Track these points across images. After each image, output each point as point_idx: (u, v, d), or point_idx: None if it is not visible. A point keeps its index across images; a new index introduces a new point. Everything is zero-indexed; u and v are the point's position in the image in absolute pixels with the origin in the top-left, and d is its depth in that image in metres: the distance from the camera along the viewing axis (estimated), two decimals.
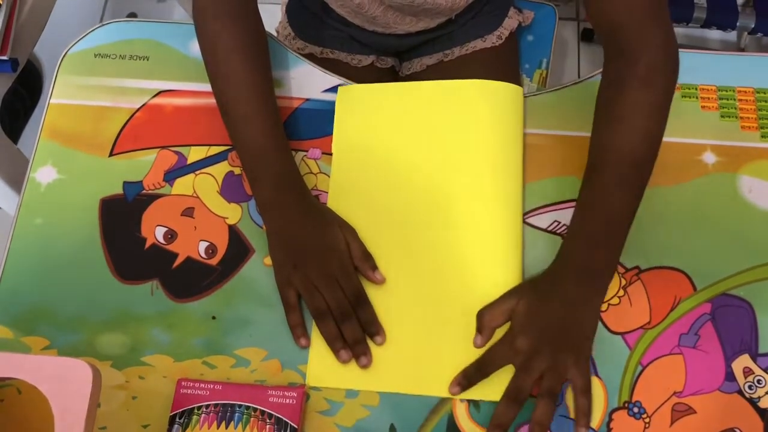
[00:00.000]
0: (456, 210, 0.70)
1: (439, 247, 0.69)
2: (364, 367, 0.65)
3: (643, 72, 0.64)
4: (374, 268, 0.68)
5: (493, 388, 0.63)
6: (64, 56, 0.80)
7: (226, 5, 0.71)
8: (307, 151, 0.75)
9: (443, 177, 0.72)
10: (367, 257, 0.69)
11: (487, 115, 0.73)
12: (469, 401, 0.64)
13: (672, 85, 0.66)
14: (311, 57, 0.92)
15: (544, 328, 0.63)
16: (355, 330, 0.65)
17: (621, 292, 0.68)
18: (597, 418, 0.64)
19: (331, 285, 0.66)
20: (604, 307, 0.68)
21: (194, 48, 0.80)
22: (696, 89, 0.77)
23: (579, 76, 1.60)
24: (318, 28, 0.93)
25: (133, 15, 1.74)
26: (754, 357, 0.66)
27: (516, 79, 1.00)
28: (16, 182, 1.05)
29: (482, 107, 0.73)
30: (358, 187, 0.73)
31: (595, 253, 0.64)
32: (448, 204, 0.70)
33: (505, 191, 0.70)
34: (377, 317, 0.67)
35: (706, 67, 0.78)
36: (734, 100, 0.76)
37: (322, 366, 0.66)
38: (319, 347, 0.66)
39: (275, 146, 0.70)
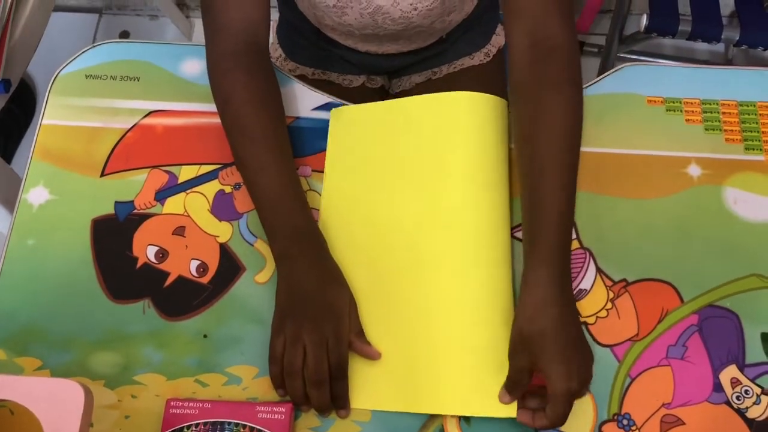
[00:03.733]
0: (447, 225, 0.70)
1: (432, 265, 0.69)
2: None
3: (555, 71, 0.67)
4: (368, 343, 0.67)
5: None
6: (55, 77, 0.81)
7: (240, 61, 0.71)
8: (297, 168, 0.75)
9: (433, 190, 0.72)
10: (362, 334, 0.68)
11: (474, 127, 0.73)
12: (459, 416, 0.65)
13: (576, 56, 0.69)
14: (303, 78, 0.93)
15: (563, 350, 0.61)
16: (323, 398, 0.63)
17: (609, 305, 0.69)
18: (587, 430, 0.64)
19: (319, 347, 0.63)
20: (591, 320, 0.68)
21: (184, 68, 0.81)
22: (680, 103, 0.78)
23: None
24: (309, 49, 0.94)
25: (125, 34, 1.76)
26: (742, 368, 0.66)
27: (503, 95, 1.01)
28: (10, 202, 1.06)
29: (469, 119, 0.73)
30: (350, 203, 0.73)
31: (560, 256, 0.63)
32: (439, 218, 0.71)
33: (495, 204, 0.71)
34: (348, 392, 0.65)
35: (689, 80, 0.79)
36: (718, 113, 0.77)
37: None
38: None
39: (292, 197, 0.69)
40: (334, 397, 0.64)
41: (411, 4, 0.77)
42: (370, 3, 0.77)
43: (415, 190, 0.72)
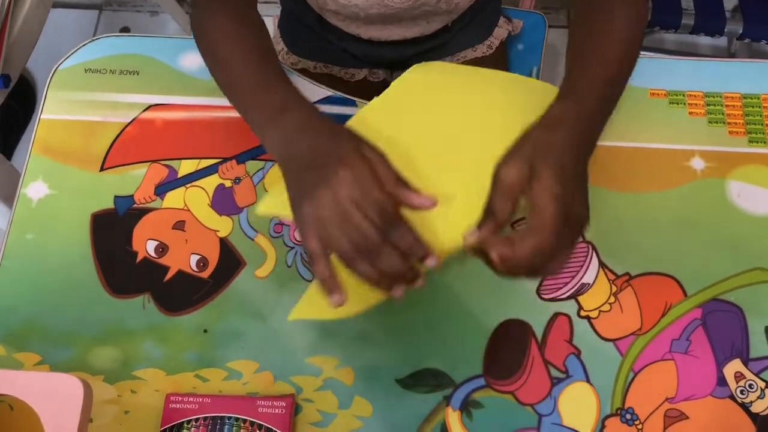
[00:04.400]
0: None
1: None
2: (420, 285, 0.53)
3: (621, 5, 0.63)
4: (412, 188, 0.53)
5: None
6: (54, 72, 0.80)
7: (223, 6, 0.68)
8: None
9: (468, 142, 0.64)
10: (402, 181, 0.53)
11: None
12: (461, 411, 0.64)
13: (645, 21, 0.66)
14: (304, 72, 0.92)
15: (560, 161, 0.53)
16: (393, 262, 0.51)
17: (612, 299, 0.68)
18: (590, 425, 0.64)
19: (347, 211, 0.50)
20: (594, 314, 0.68)
21: (184, 62, 0.80)
22: (684, 95, 0.77)
23: None
24: (311, 42, 0.93)
25: (125, 30, 1.75)
26: (746, 362, 0.66)
27: None
28: (9, 197, 1.05)
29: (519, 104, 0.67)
30: (380, 125, 0.65)
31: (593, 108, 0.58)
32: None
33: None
34: (419, 236, 0.52)
35: (693, 73, 0.79)
36: (721, 105, 0.77)
37: (308, 302, 0.63)
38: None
39: (273, 78, 0.61)
40: (405, 250, 0.51)
41: None
42: None
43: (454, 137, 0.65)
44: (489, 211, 0.54)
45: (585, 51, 0.63)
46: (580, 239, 0.56)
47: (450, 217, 0.57)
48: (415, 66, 0.73)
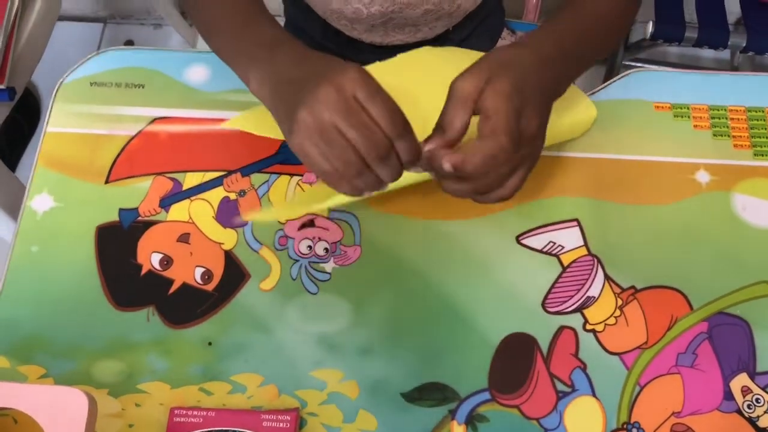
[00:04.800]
0: None
1: None
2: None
3: None
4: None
5: None
6: (60, 85, 0.81)
7: None
8: (302, 175, 0.75)
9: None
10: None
11: None
12: (467, 425, 0.64)
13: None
14: None
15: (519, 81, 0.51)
16: (394, 169, 0.50)
17: (617, 312, 0.68)
18: None
19: (351, 113, 0.48)
20: (600, 327, 0.67)
21: (189, 75, 0.81)
22: (688, 108, 0.77)
23: None
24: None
25: (130, 42, 1.76)
26: (752, 376, 0.66)
27: None
28: (14, 210, 1.06)
29: None
30: None
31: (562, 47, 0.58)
32: None
33: None
34: (418, 147, 0.51)
35: (697, 86, 0.79)
36: (726, 119, 0.77)
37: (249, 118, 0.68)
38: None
39: (254, 21, 0.60)
40: (406, 163, 0.51)
41: None
42: None
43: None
44: (440, 125, 0.52)
45: (558, 13, 0.62)
46: (533, 166, 0.55)
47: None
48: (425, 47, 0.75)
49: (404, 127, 0.49)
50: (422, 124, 0.53)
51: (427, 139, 0.52)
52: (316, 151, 0.49)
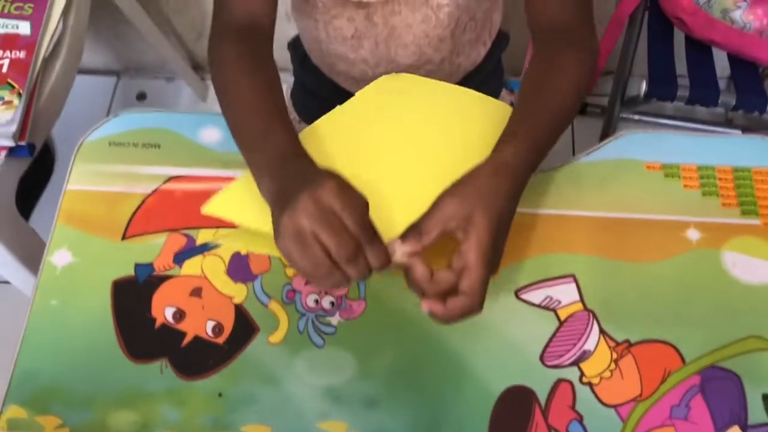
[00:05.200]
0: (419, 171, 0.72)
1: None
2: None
3: (575, 51, 0.72)
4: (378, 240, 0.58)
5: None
6: (80, 145, 0.85)
7: (238, 34, 0.75)
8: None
9: (412, 152, 0.74)
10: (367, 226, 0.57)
11: (479, 126, 0.75)
12: None
13: (594, 64, 0.74)
14: None
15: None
16: (362, 270, 0.57)
17: (613, 366, 0.71)
18: None
19: (325, 222, 0.55)
20: (596, 380, 0.70)
21: (202, 135, 0.85)
22: (678, 168, 0.81)
23: (573, 148, 1.67)
24: (322, 110, 0.98)
25: (142, 95, 1.82)
26: (744, 428, 0.68)
27: None
28: (28, 259, 1.09)
29: (478, 118, 0.76)
30: (331, 139, 0.75)
31: (529, 153, 0.65)
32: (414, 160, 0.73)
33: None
34: (386, 252, 0.58)
35: (687, 147, 0.83)
36: (714, 178, 0.80)
37: (227, 200, 0.71)
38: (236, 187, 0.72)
39: (272, 127, 0.67)
40: (374, 266, 0.58)
41: (423, 31, 0.82)
42: (386, 24, 0.81)
43: (398, 146, 0.74)
44: (417, 229, 0.60)
45: (536, 93, 0.70)
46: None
47: (391, 211, 0.64)
48: (382, 78, 0.81)
49: (372, 235, 0.57)
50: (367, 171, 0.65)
51: (403, 237, 0.60)
52: (295, 253, 0.57)
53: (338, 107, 0.78)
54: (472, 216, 0.58)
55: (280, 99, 0.71)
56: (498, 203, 0.60)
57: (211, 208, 0.73)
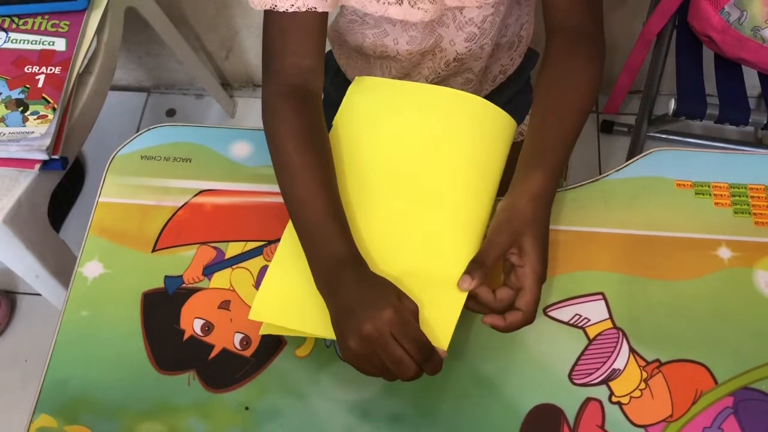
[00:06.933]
0: (431, 190, 0.73)
1: (415, 206, 0.73)
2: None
3: (588, 55, 0.77)
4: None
5: None
6: (113, 158, 0.86)
7: (288, 102, 0.75)
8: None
9: (423, 167, 0.75)
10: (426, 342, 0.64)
11: (479, 132, 0.77)
12: None
13: (603, 66, 0.78)
14: None
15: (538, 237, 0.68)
16: (438, 367, 0.64)
17: (642, 385, 0.70)
18: None
19: (386, 342, 0.62)
20: (626, 400, 0.69)
21: (233, 150, 0.86)
22: (709, 186, 0.80)
23: (599, 167, 1.66)
24: None
25: (172, 111, 1.84)
26: None
27: None
28: (59, 272, 1.11)
29: (477, 123, 0.77)
30: (343, 154, 0.76)
31: (556, 171, 0.71)
32: (425, 185, 0.74)
33: (477, 191, 0.73)
34: (441, 362, 0.65)
35: (718, 165, 0.82)
36: (746, 197, 0.79)
37: (268, 301, 0.70)
38: (271, 281, 0.71)
39: (333, 225, 0.69)
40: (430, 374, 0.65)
41: (466, 46, 0.83)
42: (432, 34, 0.82)
43: (408, 160, 0.75)
44: (479, 263, 0.67)
45: (551, 109, 0.74)
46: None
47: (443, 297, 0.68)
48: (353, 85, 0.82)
49: (430, 353, 0.63)
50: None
51: (468, 271, 0.67)
52: (363, 366, 0.65)
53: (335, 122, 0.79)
54: (523, 245, 0.66)
55: (334, 188, 0.73)
56: (540, 229, 0.68)
57: (257, 314, 0.70)
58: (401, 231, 0.71)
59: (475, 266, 0.67)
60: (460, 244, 0.70)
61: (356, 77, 0.83)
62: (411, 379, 0.63)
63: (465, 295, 0.67)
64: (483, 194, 0.73)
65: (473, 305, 0.68)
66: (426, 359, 0.63)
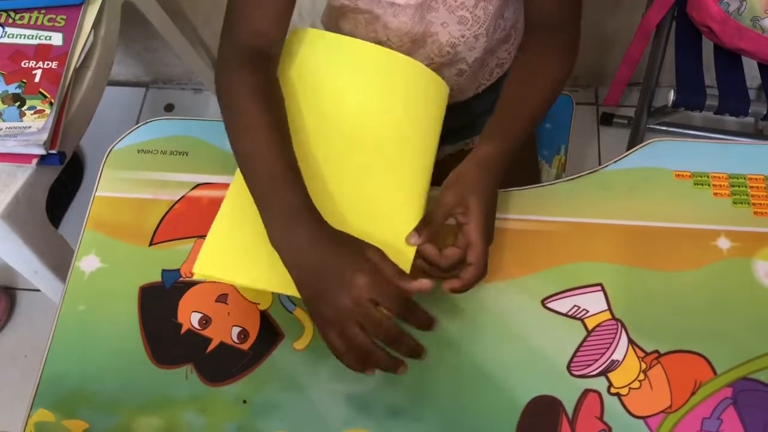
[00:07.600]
0: (374, 151, 0.75)
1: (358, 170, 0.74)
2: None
3: (560, 50, 0.81)
4: (413, 279, 0.65)
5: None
6: (109, 152, 0.86)
7: (244, 62, 0.74)
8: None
9: (366, 126, 0.75)
10: (403, 275, 0.65)
11: (413, 93, 0.79)
12: None
13: (575, 60, 0.82)
14: None
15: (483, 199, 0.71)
16: (410, 347, 0.64)
17: (641, 376, 0.70)
18: None
19: (368, 311, 0.62)
20: (624, 391, 0.69)
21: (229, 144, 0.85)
22: (708, 177, 0.80)
23: (599, 159, 1.65)
24: None
25: (170, 106, 1.84)
26: None
27: (534, 166, 1.04)
28: (58, 268, 1.10)
29: (413, 85, 0.79)
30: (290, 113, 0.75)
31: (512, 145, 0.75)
32: (368, 146, 0.75)
33: (416, 152, 0.76)
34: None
35: (716, 155, 0.81)
36: (746, 187, 0.79)
37: (214, 255, 0.69)
38: (217, 235, 0.70)
39: (285, 176, 0.68)
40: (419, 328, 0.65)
41: (459, 30, 0.83)
42: (422, 19, 0.82)
43: (350, 128, 0.76)
44: (428, 222, 0.71)
45: (516, 102, 0.78)
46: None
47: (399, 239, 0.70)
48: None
49: (413, 306, 0.64)
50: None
51: (416, 228, 0.70)
52: (336, 340, 0.64)
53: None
54: (468, 203, 0.70)
55: (288, 142, 0.72)
56: (485, 191, 0.71)
57: (202, 267, 0.69)
58: (348, 191, 0.72)
59: (422, 224, 0.71)
60: (405, 203, 0.72)
61: (292, 30, 0.82)
62: (394, 340, 0.63)
63: (413, 250, 0.70)
64: (425, 154, 0.76)
65: (421, 263, 0.71)
66: (410, 311, 0.64)
